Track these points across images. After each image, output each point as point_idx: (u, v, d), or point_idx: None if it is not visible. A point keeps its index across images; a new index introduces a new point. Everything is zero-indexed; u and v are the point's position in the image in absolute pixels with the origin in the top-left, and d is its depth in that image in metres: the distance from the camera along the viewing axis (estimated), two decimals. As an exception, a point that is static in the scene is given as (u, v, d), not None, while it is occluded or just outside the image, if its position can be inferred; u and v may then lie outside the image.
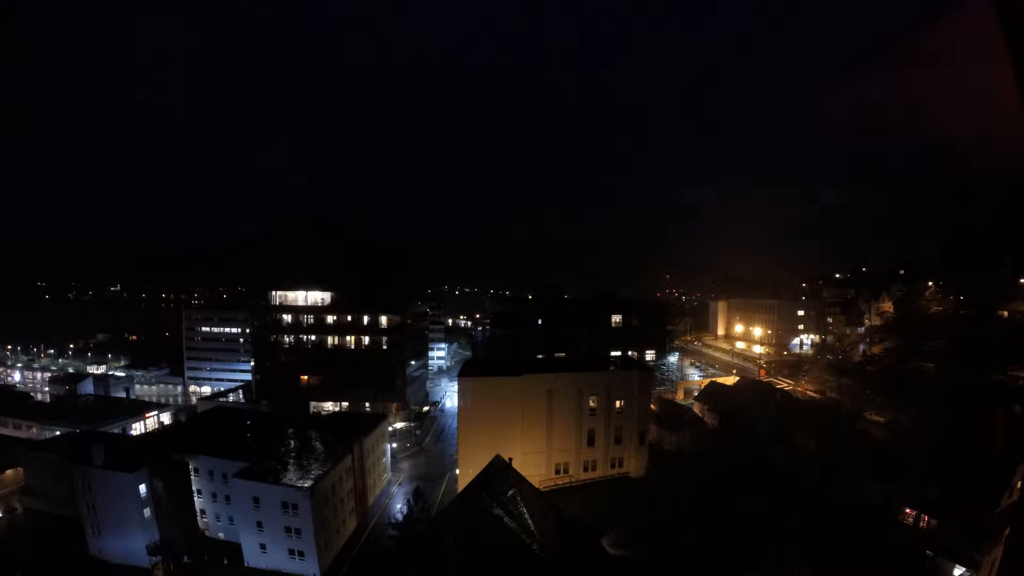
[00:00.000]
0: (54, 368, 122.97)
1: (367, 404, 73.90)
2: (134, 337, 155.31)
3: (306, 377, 76.56)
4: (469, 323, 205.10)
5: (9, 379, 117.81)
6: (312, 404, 75.39)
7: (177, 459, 47.56)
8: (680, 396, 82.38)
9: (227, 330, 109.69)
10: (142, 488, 43.60)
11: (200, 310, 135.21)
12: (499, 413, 51.16)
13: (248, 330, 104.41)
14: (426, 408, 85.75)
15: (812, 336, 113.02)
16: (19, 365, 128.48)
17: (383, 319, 76.60)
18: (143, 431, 67.05)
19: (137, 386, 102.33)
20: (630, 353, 74.24)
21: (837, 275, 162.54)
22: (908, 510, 38.50)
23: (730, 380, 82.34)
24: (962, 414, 46.55)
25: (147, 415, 70.98)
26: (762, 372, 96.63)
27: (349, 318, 76.85)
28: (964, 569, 34.52)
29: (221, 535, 47.57)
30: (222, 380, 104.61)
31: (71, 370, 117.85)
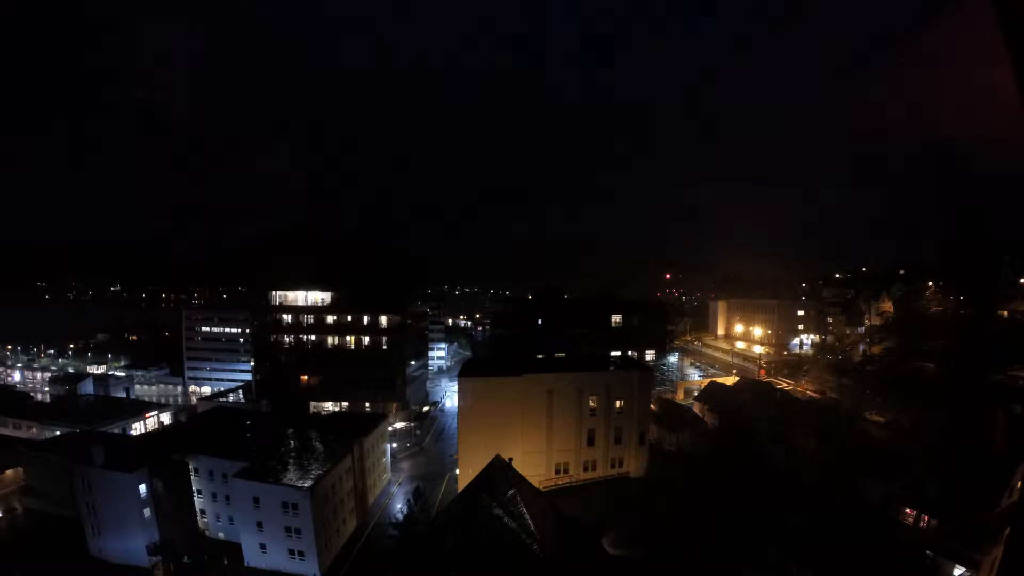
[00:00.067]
0: (54, 368, 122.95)
1: (367, 404, 73.89)
2: (134, 337, 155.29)
3: (306, 377, 76.56)
4: (469, 323, 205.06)
5: (9, 379, 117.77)
6: (312, 404, 75.37)
7: (177, 459, 47.55)
8: (680, 396, 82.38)
9: (227, 330, 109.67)
10: (142, 488, 43.59)
11: (200, 310, 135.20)
12: (499, 413, 51.15)
13: (248, 330, 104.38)
14: (426, 408, 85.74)
15: (812, 336, 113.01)
16: (19, 365, 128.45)
17: (383, 319, 76.60)
18: (143, 431, 67.03)
19: (137, 386, 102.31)
20: (630, 353, 74.22)
21: (837, 275, 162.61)
22: (908, 510, 38.49)
23: (730, 380, 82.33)
24: (962, 414, 46.55)
25: (147, 415, 70.97)
26: (762, 372, 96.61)
27: (349, 318, 76.84)
28: (964, 569, 34.52)
29: (221, 535, 47.57)
30: (222, 380, 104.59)
31: (71, 370, 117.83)
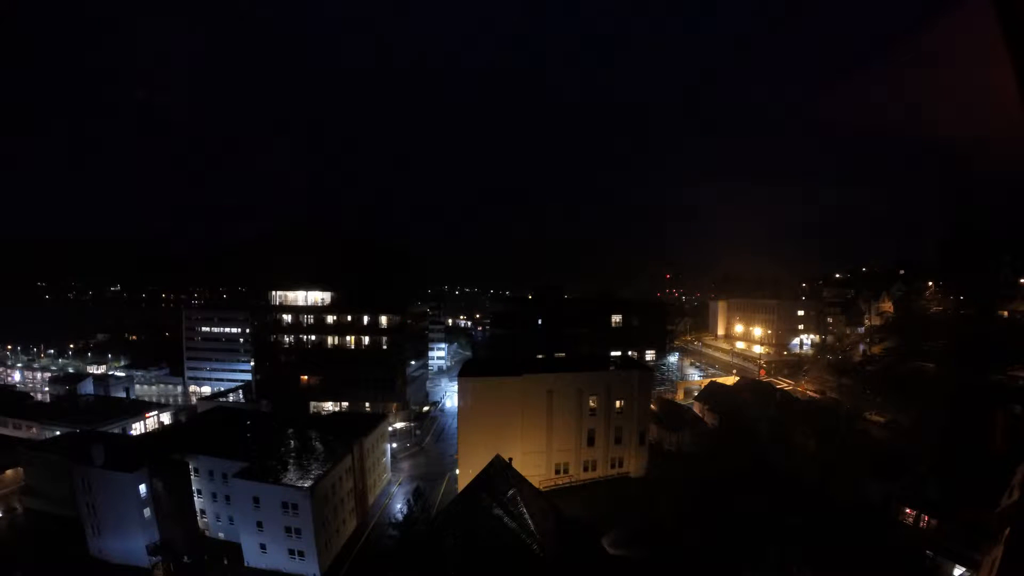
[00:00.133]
0: (54, 368, 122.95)
1: (367, 404, 73.89)
2: (134, 337, 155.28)
3: (306, 377, 76.56)
4: (469, 323, 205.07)
5: (9, 379, 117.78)
6: (312, 404, 75.38)
7: (177, 459, 47.56)
8: (680, 396, 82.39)
9: (227, 330, 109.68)
10: (142, 488, 43.59)
11: (200, 310, 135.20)
12: (499, 413, 51.15)
13: (248, 330, 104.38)
14: (426, 408, 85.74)
15: (812, 336, 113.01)
16: (19, 365, 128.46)
17: (383, 319, 76.60)
18: (143, 431, 67.03)
19: (137, 386, 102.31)
20: (630, 353, 74.23)
21: (837, 275, 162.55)
22: (908, 510, 38.52)
23: (730, 380, 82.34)
24: (962, 414, 46.59)
25: (147, 415, 70.97)
26: (762, 372, 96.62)
27: (349, 318, 76.85)
28: (964, 569, 34.52)
29: (221, 535, 47.57)
30: (222, 380, 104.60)
31: (71, 370, 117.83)
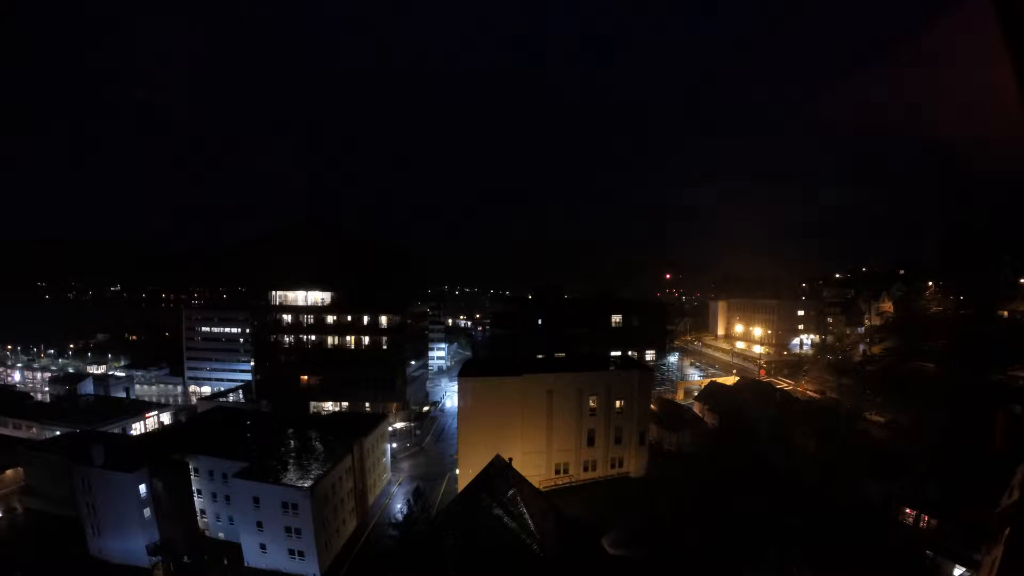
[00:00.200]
0: (54, 368, 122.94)
1: (367, 404, 73.89)
2: (134, 337, 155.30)
3: (306, 377, 76.55)
4: (469, 323, 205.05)
5: (9, 379, 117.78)
6: (312, 404, 75.37)
7: (177, 459, 47.55)
8: (680, 396, 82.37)
9: (227, 330, 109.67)
10: (142, 488, 43.59)
11: (200, 310, 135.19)
12: (499, 413, 51.15)
13: (248, 330, 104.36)
14: (426, 408, 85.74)
15: (812, 336, 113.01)
16: (19, 365, 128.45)
17: (383, 319, 76.60)
18: (143, 431, 67.03)
19: (137, 386, 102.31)
20: (630, 353, 74.23)
21: (837, 275, 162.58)
22: (908, 510, 38.52)
23: (730, 380, 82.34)
24: (962, 414, 46.59)
25: (147, 415, 70.97)
26: (762, 372, 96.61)
27: (349, 318, 76.84)
28: (964, 569, 34.52)
29: (221, 535, 47.57)
30: (222, 380, 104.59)
31: (71, 370, 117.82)
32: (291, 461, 45.71)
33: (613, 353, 71.44)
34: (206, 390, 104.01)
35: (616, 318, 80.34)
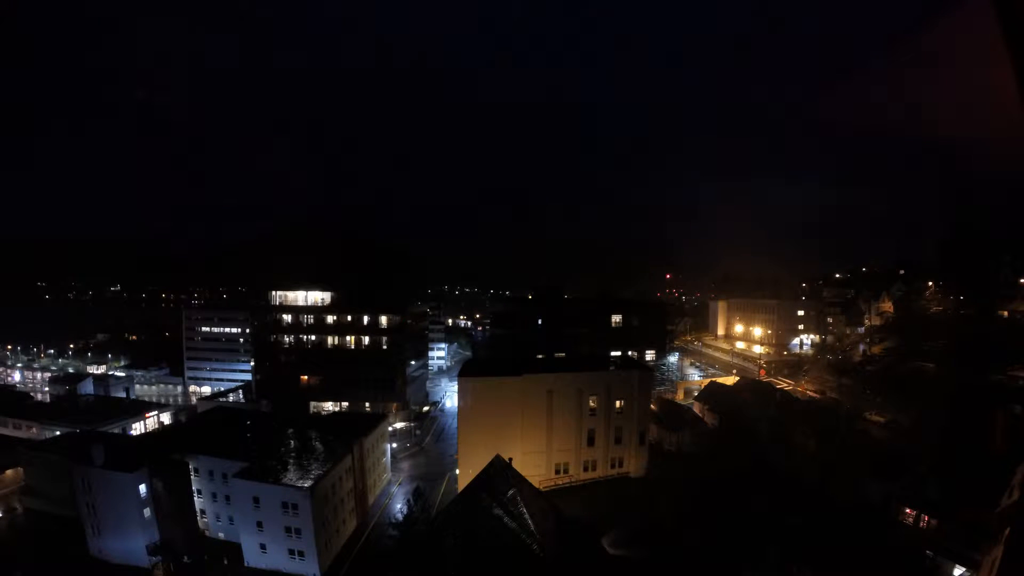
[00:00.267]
0: (54, 368, 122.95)
1: (367, 404, 73.88)
2: (134, 337, 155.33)
3: (306, 377, 76.55)
4: (469, 323, 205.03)
5: (9, 379, 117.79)
6: (312, 404, 75.36)
7: (177, 459, 47.54)
8: (680, 396, 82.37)
9: (227, 330, 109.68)
10: (142, 488, 43.59)
11: (200, 310, 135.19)
12: (499, 413, 51.14)
13: (248, 330, 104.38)
14: (426, 408, 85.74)
15: (812, 336, 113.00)
16: (19, 365, 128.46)
17: (383, 319, 76.59)
18: (143, 431, 67.03)
19: (137, 386, 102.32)
20: (630, 353, 74.21)
21: (837, 275, 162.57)
22: (908, 510, 38.50)
23: (730, 380, 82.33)
24: (962, 414, 46.58)
25: (147, 415, 70.97)
26: (762, 372, 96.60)
27: (349, 318, 76.84)
28: (964, 569, 34.51)
29: (221, 535, 47.56)
30: (222, 380, 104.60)
31: (71, 370, 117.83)
32: (291, 461, 45.71)
33: (613, 353, 71.43)
34: (206, 390, 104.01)
35: (616, 318, 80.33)
